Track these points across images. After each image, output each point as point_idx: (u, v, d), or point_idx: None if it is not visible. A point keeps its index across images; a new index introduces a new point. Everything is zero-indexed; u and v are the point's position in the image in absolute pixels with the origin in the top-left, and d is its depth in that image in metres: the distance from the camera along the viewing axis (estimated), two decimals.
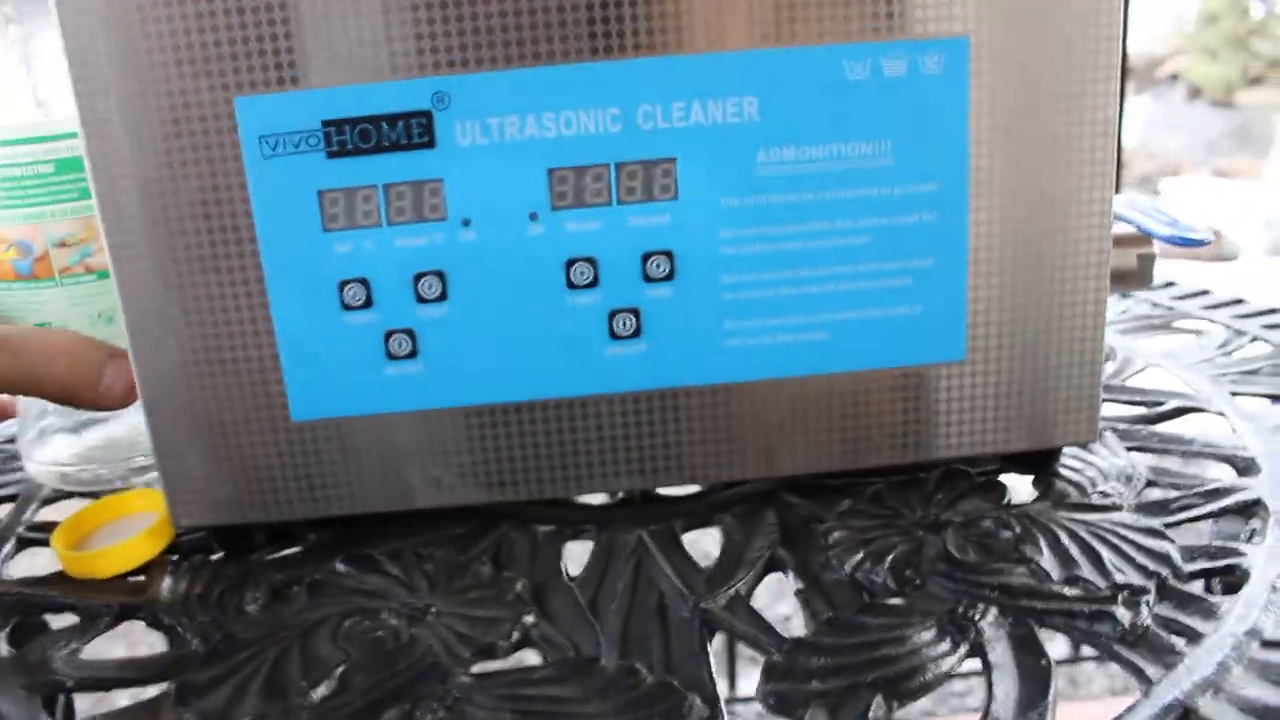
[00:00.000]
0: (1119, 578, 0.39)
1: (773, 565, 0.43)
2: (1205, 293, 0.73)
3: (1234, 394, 0.55)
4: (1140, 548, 0.41)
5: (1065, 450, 0.48)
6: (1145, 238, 0.48)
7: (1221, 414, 0.53)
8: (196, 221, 0.40)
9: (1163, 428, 0.52)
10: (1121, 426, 0.52)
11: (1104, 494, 0.45)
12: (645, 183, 0.40)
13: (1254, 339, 0.64)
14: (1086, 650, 0.41)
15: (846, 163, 0.40)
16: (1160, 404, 0.55)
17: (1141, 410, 0.55)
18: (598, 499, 0.49)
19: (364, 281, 0.41)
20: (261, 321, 0.41)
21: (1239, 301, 0.71)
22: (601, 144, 0.39)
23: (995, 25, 0.40)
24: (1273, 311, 0.68)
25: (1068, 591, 0.38)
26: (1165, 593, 0.38)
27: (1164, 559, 0.40)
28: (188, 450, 0.43)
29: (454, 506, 0.45)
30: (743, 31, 0.39)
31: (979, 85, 0.40)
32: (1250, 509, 0.43)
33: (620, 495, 0.49)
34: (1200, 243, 0.43)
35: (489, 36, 0.38)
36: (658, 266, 0.41)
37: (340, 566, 0.44)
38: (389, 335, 0.42)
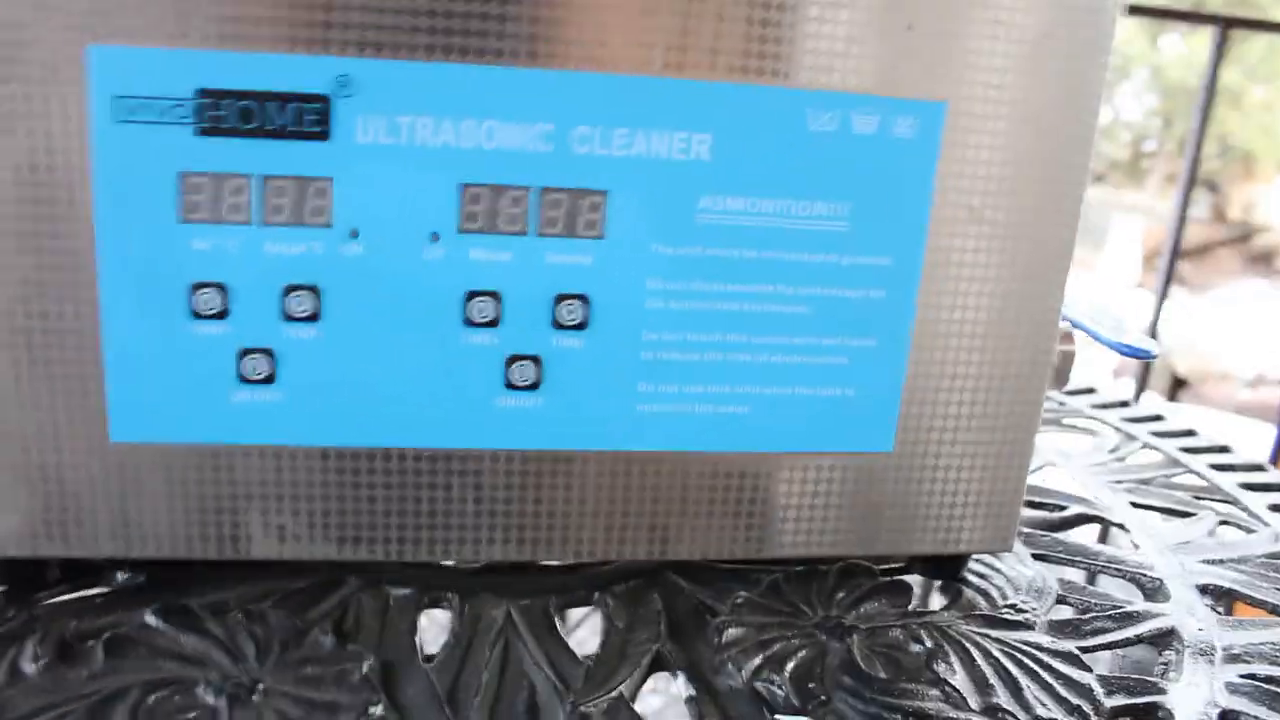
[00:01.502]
0: (1040, 711, 0.35)
1: (659, 663, 0.38)
2: (1091, 390, 0.71)
3: (1133, 504, 0.53)
4: (1059, 675, 0.37)
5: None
6: (1066, 334, 0.45)
7: (1123, 526, 0.51)
8: (20, 188, 0.33)
9: (1066, 536, 0.49)
10: (1024, 530, 0.49)
11: (1015, 608, 0.42)
12: (570, 214, 0.35)
13: (1144, 445, 0.63)
14: None
15: (798, 222, 0.36)
16: (1063, 509, 0.52)
17: (1043, 514, 0.52)
18: None
19: (221, 287, 0.34)
20: (87, 318, 0.34)
21: (1125, 404, 0.69)
22: (526, 164, 0.34)
23: (976, 95, 0.36)
24: (1158, 418, 0.67)
25: None
26: None
27: (1085, 691, 0.36)
28: None
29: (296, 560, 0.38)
30: (705, 59, 0.34)
31: (950, 157, 0.36)
32: (1164, 639, 0.41)
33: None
34: (1149, 354, 0.40)
35: (412, 19, 0.32)
36: (570, 312, 0.36)
37: (150, 620, 0.37)
38: (244, 354, 0.35)
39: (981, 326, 0.39)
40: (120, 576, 0.40)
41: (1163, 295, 1.56)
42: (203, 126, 0.32)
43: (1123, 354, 0.40)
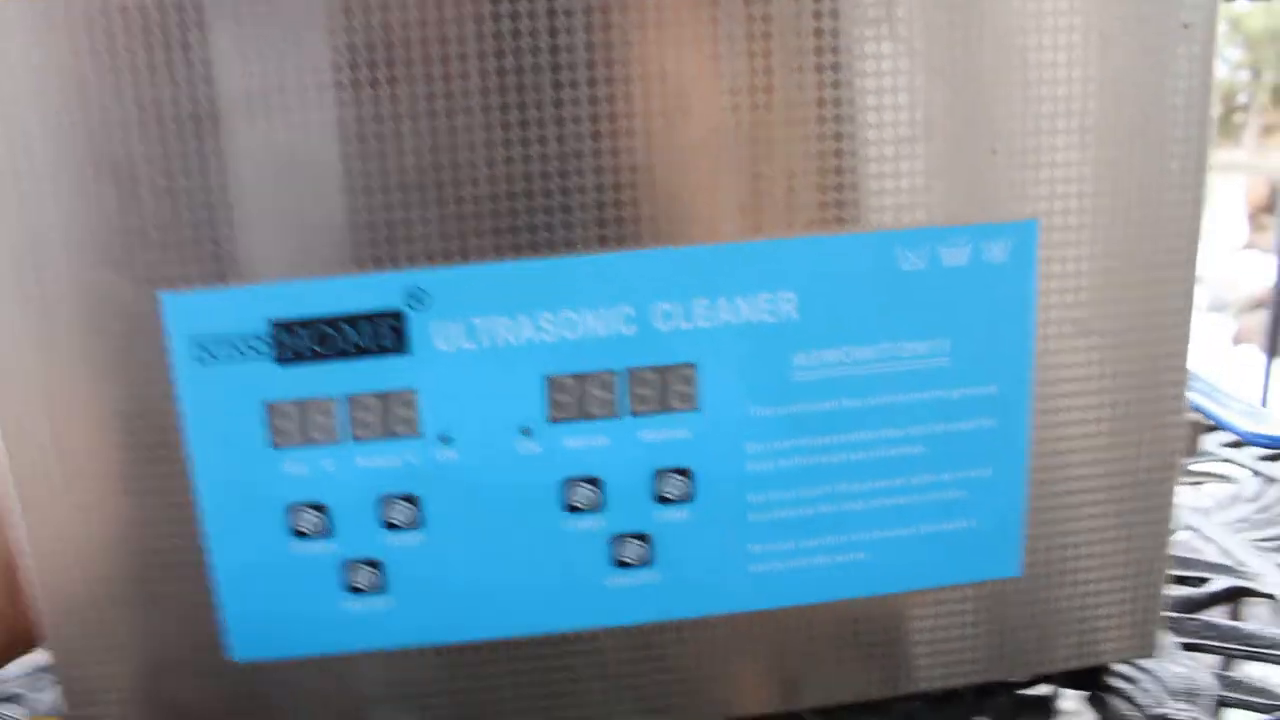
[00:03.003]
0: None
1: None
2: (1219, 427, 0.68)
3: None
4: None
5: None
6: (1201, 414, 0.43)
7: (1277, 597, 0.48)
8: (115, 437, 0.33)
9: (1214, 615, 0.47)
10: (1169, 614, 0.47)
11: (1167, 719, 0.39)
12: (660, 392, 0.34)
13: None
14: None
15: (897, 365, 0.34)
16: (1205, 581, 0.49)
17: (1186, 590, 0.49)
18: None
19: (319, 507, 0.34)
20: (194, 551, 0.34)
21: None
22: (609, 348, 0.33)
23: (1070, 207, 0.34)
24: None
25: None
26: None
27: None
28: (104, 698, 0.36)
29: None
30: (780, 216, 0.33)
31: (1048, 274, 0.34)
32: None
33: None
34: None
35: (475, 223, 0.32)
36: (673, 486, 0.35)
37: None
38: (350, 567, 0.34)
39: (1103, 439, 0.37)
40: None
41: None
42: (282, 357, 0.32)
43: (1265, 446, 0.38)
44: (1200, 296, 0.40)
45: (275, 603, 0.35)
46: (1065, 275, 0.35)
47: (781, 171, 0.32)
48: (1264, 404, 0.59)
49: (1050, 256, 0.34)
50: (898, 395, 0.35)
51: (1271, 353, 1.50)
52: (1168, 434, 0.37)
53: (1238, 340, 2.91)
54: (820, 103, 0.32)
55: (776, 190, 0.33)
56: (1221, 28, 0.35)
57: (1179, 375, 0.37)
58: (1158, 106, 0.34)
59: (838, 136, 0.32)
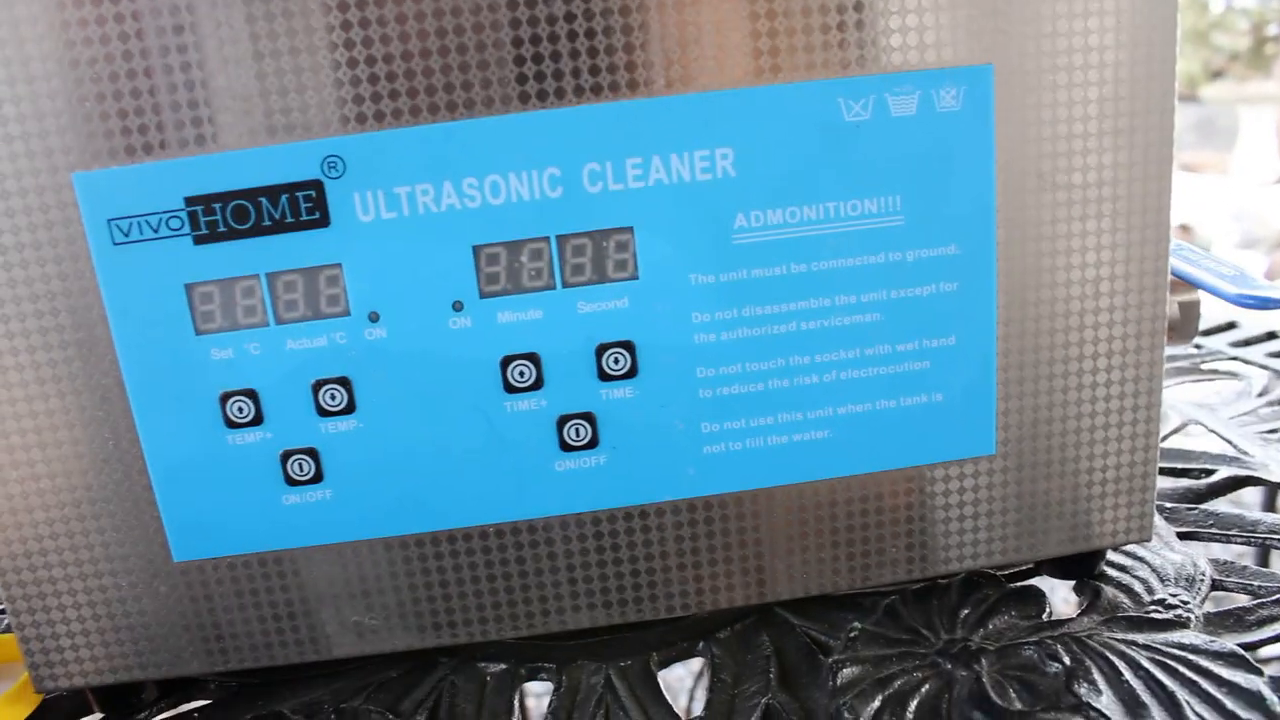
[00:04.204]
0: None
1: (771, 717, 0.35)
2: (1232, 326, 0.65)
3: None
4: (1222, 682, 0.33)
5: None
6: (1185, 282, 0.41)
7: None
8: (41, 328, 0.32)
9: (1216, 505, 0.45)
10: (1167, 505, 0.45)
11: (1163, 604, 0.38)
12: (596, 259, 0.32)
13: None
14: None
15: (846, 225, 0.32)
16: (1209, 473, 0.47)
17: (1187, 482, 0.47)
18: None
19: (251, 393, 0.33)
20: (128, 446, 0.33)
21: (1272, 335, 0.63)
22: (539, 213, 0.31)
23: (1027, 50, 0.32)
24: None
25: None
26: None
27: (1255, 700, 0.32)
28: (47, 603, 0.35)
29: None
30: (713, 68, 0.31)
31: (1007, 123, 0.32)
32: None
33: None
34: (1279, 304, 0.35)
35: (390, 84, 0.30)
36: (616, 361, 0.33)
37: None
38: (286, 456, 0.33)
39: (1076, 303, 0.35)
40: (212, 686, 0.39)
41: None
42: (199, 234, 0.31)
43: (1249, 307, 0.35)
44: (1232, 233, 0.37)
45: (212, 498, 0.34)
46: (1026, 124, 0.33)
47: (708, 19, 0.31)
48: None
49: (1008, 105, 0.32)
50: (849, 259, 0.33)
51: None
52: (1150, 295, 0.35)
53: (1270, 276, 2.84)
54: None
55: (704, 38, 0.31)
56: None
57: (1160, 231, 0.34)
58: None
59: None
